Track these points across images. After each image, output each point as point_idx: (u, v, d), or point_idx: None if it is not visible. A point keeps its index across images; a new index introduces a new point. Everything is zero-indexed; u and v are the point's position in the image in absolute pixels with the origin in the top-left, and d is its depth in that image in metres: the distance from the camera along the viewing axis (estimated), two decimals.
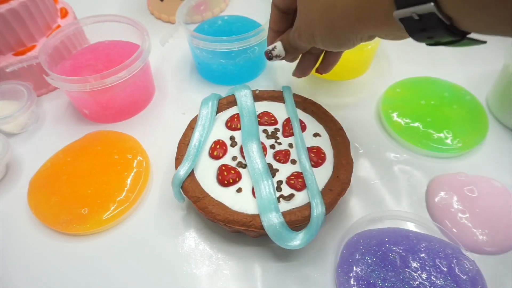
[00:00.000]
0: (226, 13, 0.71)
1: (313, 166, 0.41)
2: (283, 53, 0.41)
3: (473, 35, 0.29)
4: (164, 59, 0.63)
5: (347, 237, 0.41)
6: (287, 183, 0.40)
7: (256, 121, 0.45)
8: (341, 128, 0.45)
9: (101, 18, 0.56)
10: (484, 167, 0.48)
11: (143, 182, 0.46)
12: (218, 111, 0.47)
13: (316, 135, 0.45)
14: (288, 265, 0.41)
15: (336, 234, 0.43)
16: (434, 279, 0.35)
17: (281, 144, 0.44)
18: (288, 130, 0.45)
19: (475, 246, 0.40)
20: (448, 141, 0.49)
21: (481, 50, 0.62)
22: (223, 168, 0.42)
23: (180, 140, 0.45)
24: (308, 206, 0.38)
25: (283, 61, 0.62)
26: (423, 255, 0.37)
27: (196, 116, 0.47)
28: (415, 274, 0.36)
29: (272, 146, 0.44)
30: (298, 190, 0.40)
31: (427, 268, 0.36)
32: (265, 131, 0.45)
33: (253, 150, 0.42)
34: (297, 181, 0.40)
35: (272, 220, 0.37)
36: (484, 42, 0.29)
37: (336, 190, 0.39)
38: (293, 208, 0.38)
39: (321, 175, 0.41)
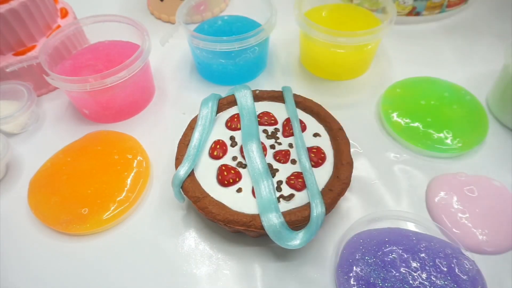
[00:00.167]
0: (226, 13, 0.71)
1: (313, 166, 0.41)
2: None
3: None
4: (164, 59, 0.63)
5: (347, 237, 0.41)
6: (287, 183, 0.40)
7: (256, 121, 0.45)
8: (341, 128, 0.45)
9: (101, 18, 0.56)
10: (484, 167, 0.48)
11: (143, 182, 0.46)
12: (218, 111, 0.47)
13: (316, 135, 0.45)
14: (288, 265, 0.41)
15: (336, 234, 0.43)
16: (434, 279, 0.35)
17: (281, 144, 0.44)
18: (288, 130, 0.45)
19: (475, 246, 0.40)
20: (448, 141, 0.49)
21: (481, 50, 0.63)
22: (223, 168, 0.42)
23: (180, 140, 0.45)
24: (308, 206, 0.38)
25: (283, 61, 0.62)
26: (423, 255, 0.37)
27: (196, 116, 0.47)
28: (415, 274, 0.36)
29: (272, 146, 0.44)
30: (298, 190, 0.40)
31: (427, 268, 0.36)
32: (265, 131, 0.45)
33: (253, 150, 0.42)
34: (297, 181, 0.40)
35: (272, 220, 0.37)
36: None
37: (336, 190, 0.39)
38: (293, 208, 0.38)
39: (321, 175, 0.41)
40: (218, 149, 0.43)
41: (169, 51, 0.63)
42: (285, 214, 0.38)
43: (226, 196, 0.40)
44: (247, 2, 0.69)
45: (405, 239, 0.39)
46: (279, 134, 0.45)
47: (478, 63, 0.61)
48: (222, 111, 0.48)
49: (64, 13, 0.60)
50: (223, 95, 0.49)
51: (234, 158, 0.43)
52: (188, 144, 0.43)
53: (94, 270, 0.41)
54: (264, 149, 0.43)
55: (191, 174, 0.41)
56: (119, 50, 0.56)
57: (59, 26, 0.58)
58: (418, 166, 0.48)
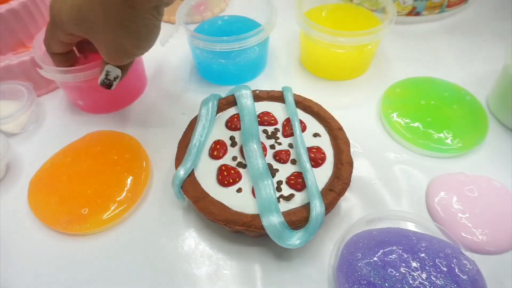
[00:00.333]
0: (226, 13, 0.71)
1: (313, 166, 0.41)
2: (118, 71, 0.41)
3: None
4: (164, 59, 0.63)
5: (347, 237, 0.41)
6: (287, 183, 0.40)
7: (256, 121, 0.45)
8: (341, 128, 0.45)
9: None
10: (484, 167, 0.48)
11: (143, 182, 0.46)
12: (218, 112, 0.47)
13: (316, 135, 0.45)
14: (288, 265, 0.41)
15: (336, 234, 0.43)
16: (434, 279, 0.35)
17: (281, 144, 0.44)
18: (288, 130, 0.45)
19: (475, 246, 0.40)
20: (448, 141, 0.49)
21: (481, 50, 0.63)
22: (223, 168, 0.42)
23: (180, 140, 0.45)
24: (308, 206, 0.38)
25: (283, 61, 0.62)
26: (423, 255, 0.37)
27: (196, 116, 0.47)
28: (415, 274, 0.36)
29: (272, 146, 0.44)
30: (298, 190, 0.40)
31: (427, 268, 0.36)
32: (265, 131, 0.45)
33: (253, 150, 0.42)
34: (297, 181, 0.40)
35: (272, 220, 0.37)
36: None
37: (336, 190, 0.39)
38: (293, 208, 0.38)
39: (321, 175, 0.41)
40: (218, 149, 0.43)
41: (169, 51, 0.63)
42: (285, 214, 0.38)
43: (226, 196, 0.40)
44: (247, 2, 0.69)
45: (405, 239, 0.39)
46: (279, 134, 0.45)
47: (478, 63, 0.61)
48: (222, 111, 0.48)
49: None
50: (223, 95, 0.49)
51: (234, 158, 0.43)
52: (188, 144, 0.43)
53: (94, 270, 0.41)
54: (264, 149, 0.43)
55: (191, 174, 0.41)
56: None
57: None
58: (418, 166, 0.48)
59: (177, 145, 0.44)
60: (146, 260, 0.42)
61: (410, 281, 0.35)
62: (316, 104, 0.48)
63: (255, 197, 0.39)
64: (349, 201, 0.45)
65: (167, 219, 0.45)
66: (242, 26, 0.59)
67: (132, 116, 0.56)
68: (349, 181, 0.41)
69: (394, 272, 0.36)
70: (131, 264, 0.42)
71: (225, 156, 0.43)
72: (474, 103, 0.53)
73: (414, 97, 0.54)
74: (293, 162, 0.42)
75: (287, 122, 0.46)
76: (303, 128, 0.45)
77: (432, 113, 0.51)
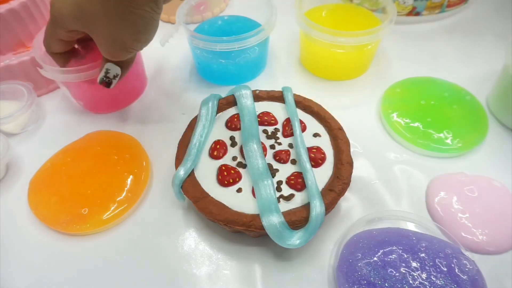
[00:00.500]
0: (226, 13, 0.71)
1: (313, 166, 0.41)
2: (118, 69, 0.42)
3: None
4: (164, 59, 0.63)
5: (347, 237, 0.41)
6: (287, 183, 0.40)
7: (256, 121, 0.45)
8: (341, 128, 0.45)
9: None
10: (484, 167, 0.48)
11: (143, 182, 0.46)
12: (218, 112, 0.47)
13: (316, 135, 0.45)
14: (288, 265, 0.41)
15: (336, 234, 0.43)
16: (434, 279, 0.35)
17: (281, 144, 0.44)
18: (288, 130, 0.45)
19: (475, 246, 0.40)
20: (448, 141, 0.49)
21: (481, 50, 0.63)
22: (223, 168, 0.42)
23: (180, 140, 0.45)
24: (308, 206, 0.38)
25: (283, 61, 0.62)
26: (423, 255, 0.37)
27: (196, 116, 0.47)
28: (415, 274, 0.36)
29: (272, 146, 0.44)
30: (298, 190, 0.40)
31: (427, 268, 0.36)
32: (265, 131, 0.45)
33: (253, 150, 0.42)
34: (297, 181, 0.40)
35: (272, 220, 0.37)
36: None
37: (336, 190, 0.39)
38: (293, 208, 0.38)
39: (321, 175, 0.41)
40: (218, 149, 0.43)
41: (169, 51, 0.63)
42: (285, 214, 0.38)
43: (226, 196, 0.40)
44: (247, 2, 0.69)
45: (405, 239, 0.39)
46: (279, 134, 0.45)
47: (478, 63, 0.61)
48: (222, 111, 0.48)
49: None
50: (223, 95, 0.49)
51: (234, 158, 0.43)
52: (188, 144, 0.43)
53: (94, 270, 0.41)
54: (264, 149, 0.43)
55: (191, 174, 0.41)
56: None
57: None
58: (418, 166, 0.48)
59: (177, 145, 0.44)
60: (146, 260, 0.42)
61: (410, 281, 0.35)
62: (316, 104, 0.48)
63: (255, 197, 0.39)
64: (349, 201, 0.45)
65: (167, 219, 0.45)
66: (242, 26, 0.59)
67: (132, 116, 0.56)
68: (349, 181, 0.41)
69: (394, 272, 0.36)
70: (131, 264, 0.42)
71: (225, 156, 0.43)
72: (474, 103, 0.53)
73: (414, 97, 0.54)
74: (293, 162, 0.42)
75: (287, 122, 0.46)
76: (303, 128, 0.45)
77: (432, 113, 0.51)
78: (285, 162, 0.42)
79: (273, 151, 0.43)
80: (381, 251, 0.38)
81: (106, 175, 0.46)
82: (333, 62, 0.58)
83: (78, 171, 0.47)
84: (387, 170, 0.48)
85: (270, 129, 0.45)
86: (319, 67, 0.60)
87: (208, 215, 0.39)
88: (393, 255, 0.37)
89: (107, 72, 0.41)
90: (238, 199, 0.39)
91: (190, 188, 0.40)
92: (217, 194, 0.40)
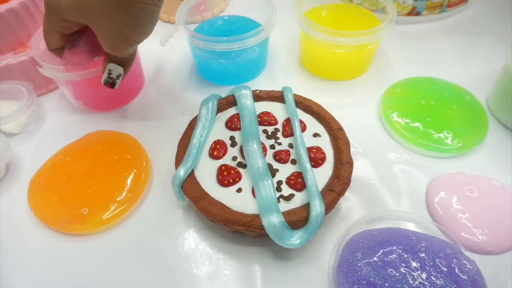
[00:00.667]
0: (226, 13, 0.71)
1: (313, 166, 0.41)
2: (121, 69, 0.41)
3: None
4: (164, 59, 0.63)
5: (347, 237, 0.41)
6: (287, 183, 0.40)
7: (256, 121, 0.45)
8: (341, 128, 0.45)
9: None
10: (484, 167, 0.48)
11: (143, 182, 0.46)
12: (218, 112, 0.47)
13: (316, 135, 0.45)
14: (288, 265, 0.41)
15: (336, 234, 0.43)
16: (434, 279, 0.35)
17: (281, 144, 0.44)
18: (288, 130, 0.45)
19: (475, 246, 0.40)
20: (448, 141, 0.49)
21: (481, 50, 0.63)
22: (223, 168, 0.42)
23: (180, 140, 0.45)
24: (308, 206, 0.38)
25: (283, 61, 0.62)
26: (423, 255, 0.37)
27: (196, 116, 0.47)
28: (415, 274, 0.36)
29: (272, 146, 0.44)
30: (298, 190, 0.40)
31: (427, 268, 0.36)
32: (265, 131, 0.45)
33: (253, 150, 0.42)
34: (297, 181, 0.40)
35: (272, 220, 0.37)
36: None
37: (336, 190, 0.39)
38: (293, 208, 0.38)
39: (321, 175, 0.41)
40: (218, 149, 0.43)
41: (169, 51, 0.63)
42: (285, 214, 0.38)
43: (226, 196, 0.40)
44: (247, 2, 0.69)
45: (405, 239, 0.39)
46: (279, 134, 0.45)
47: (478, 63, 0.61)
48: (222, 111, 0.48)
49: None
50: (223, 95, 0.49)
51: (234, 158, 0.43)
52: (188, 144, 0.43)
53: (94, 270, 0.41)
54: (264, 149, 0.43)
55: (191, 174, 0.41)
56: None
57: None
58: (418, 166, 0.48)
59: (177, 145, 0.44)
60: (146, 260, 0.42)
61: (410, 281, 0.35)
62: (316, 104, 0.48)
63: (255, 197, 0.39)
64: (349, 201, 0.45)
65: (167, 219, 0.45)
66: (242, 26, 0.59)
67: (132, 116, 0.56)
68: (349, 181, 0.41)
69: (394, 272, 0.36)
70: (131, 264, 0.42)
71: (225, 156, 0.43)
72: (474, 103, 0.53)
73: (414, 97, 0.54)
74: (293, 162, 0.42)
75: (287, 122, 0.46)
76: (303, 128, 0.45)
77: (432, 113, 0.51)
78: (285, 162, 0.42)
79: (273, 151, 0.43)
80: (381, 251, 0.38)
81: (106, 175, 0.46)
82: (333, 62, 0.58)
83: (78, 171, 0.47)
84: (387, 170, 0.48)
85: (270, 129, 0.45)
86: (319, 67, 0.60)
87: (208, 215, 0.39)
88: (393, 255, 0.37)
89: (110, 73, 0.41)
90: (238, 199, 0.39)
91: (190, 188, 0.40)
92: (217, 194, 0.40)
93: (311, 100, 0.48)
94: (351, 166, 0.41)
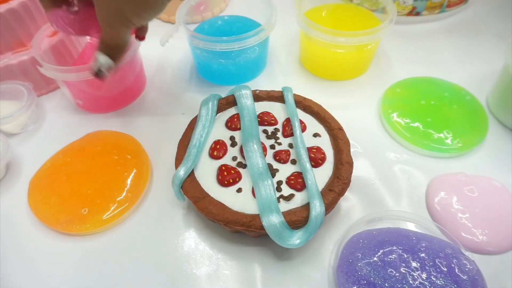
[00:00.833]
0: (226, 13, 0.71)
1: (313, 166, 0.41)
2: (110, 62, 0.39)
3: None
4: (164, 59, 0.63)
5: (347, 237, 0.41)
6: (287, 183, 0.40)
7: (256, 121, 0.45)
8: (341, 128, 0.45)
9: None
10: (484, 167, 0.48)
11: (143, 182, 0.46)
12: (218, 112, 0.47)
13: (316, 135, 0.45)
14: (288, 265, 0.41)
15: (336, 234, 0.43)
16: (434, 279, 0.35)
17: (281, 144, 0.44)
18: (288, 130, 0.45)
19: (475, 246, 0.40)
20: (448, 141, 0.49)
21: (481, 50, 0.63)
22: (223, 168, 0.42)
23: (180, 140, 0.45)
24: (308, 206, 0.38)
25: (283, 61, 0.62)
26: (423, 255, 0.37)
27: (196, 116, 0.47)
28: (415, 274, 0.36)
29: (272, 146, 0.44)
30: (298, 190, 0.40)
31: (427, 268, 0.36)
32: (265, 131, 0.45)
33: (253, 150, 0.42)
34: (297, 181, 0.40)
35: (272, 220, 0.37)
36: None
37: (336, 190, 0.39)
38: (293, 208, 0.38)
39: (321, 175, 0.41)
40: (218, 149, 0.43)
41: (169, 51, 0.63)
42: (285, 214, 0.38)
43: (226, 196, 0.40)
44: (247, 2, 0.69)
45: (405, 239, 0.39)
46: (279, 134, 0.45)
47: (478, 63, 0.61)
48: (222, 111, 0.48)
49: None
50: (223, 95, 0.49)
51: (234, 158, 0.43)
52: (188, 144, 0.43)
53: (94, 270, 0.41)
54: (264, 149, 0.43)
55: (191, 174, 0.41)
56: None
57: None
58: (418, 166, 0.48)
59: (177, 145, 0.44)
60: (146, 260, 0.42)
61: (410, 281, 0.35)
62: (316, 104, 0.48)
63: (255, 197, 0.39)
64: (349, 201, 0.45)
65: (167, 219, 0.45)
66: (242, 26, 0.59)
67: (132, 116, 0.56)
68: (349, 181, 0.41)
69: (394, 272, 0.36)
70: (131, 264, 0.42)
71: (225, 156, 0.43)
72: (474, 103, 0.53)
73: (414, 97, 0.54)
74: (293, 162, 0.42)
75: (287, 122, 0.46)
76: (303, 128, 0.45)
77: (432, 113, 0.51)
78: (285, 162, 0.42)
79: (273, 151, 0.43)
80: (381, 251, 0.38)
81: (106, 175, 0.46)
82: (333, 62, 0.58)
83: (78, 171, 0.47)
84: (387, 170, 0.48)
85: (270, 129, 0.45)
86: (319, 67, 0.60)
87: (208, 215, 0.39)
88: (393, 255, 0.37)
89: (99, 64, 0.40)
90: (238, 199, 0.39)
91: (190, 188, 0.40)
92: (217, 194, 0.40)
93: (311, 100, 0.48)
94: (351, 166, 0.41)
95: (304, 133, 0.45)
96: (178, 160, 0.43)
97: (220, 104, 0.48)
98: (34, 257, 0.43)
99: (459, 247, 0.39)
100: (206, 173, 0.42)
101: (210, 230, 0.44)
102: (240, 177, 0.41)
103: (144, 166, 0.48)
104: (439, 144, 0.48)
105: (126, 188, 0.45)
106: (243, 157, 0.42)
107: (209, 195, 0.40)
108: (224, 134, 0.45)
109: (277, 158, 0.42)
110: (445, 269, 0.36)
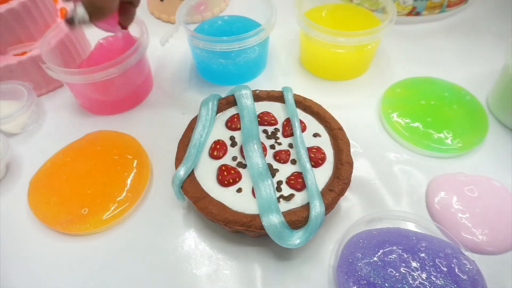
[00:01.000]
0: (226, 13, 0.71)
1: (313, 166, 0.41)
2: (86, 18, 0.39)
3: None
4: (164, 59, 0.63)
5: (347, 237, 0.41)
6: (287, 183, 0.40)
7: (256, 121, 0.45)
8: (341, 128, 0.45)
9: None
10: (484, 167, 0.48)
11: (143, 182, 0.46)
12: (218, 112, 0.47)
13: (316, 135, 0.45)
14: (288, 265, 0.41)
15: (336, 234, 0.43)
16: (434, 279, 0.35)
17: (281, 144, 0.44)
18: (288, 130, 0.45)
19: (475, 246, 0.40)
20: (448, 141, 0.49)
21: (481, 50, 0.63)
22: (223, 168, 0.42)
23: (180, 140, 0.45)
24: (308, 206, 0.38)
25: (283, 61, 0.62)
26: (423, 255, 0.37)
27: (196, 116, 0.47)
28: (415, 274, 0.36)
29: (272, 146, 0.44)
30: (298, 190, 0.40)
31: (427, 268, 0.36)
32: (265, 131, 0.45)
33: (253, 150, 0.42)
34: (297, 181, 0.40)
35: (272, 220, 0.37)
36: None
37: (336, 190, 0.39)
38: (293, 208, 0.38)
39: (321, 175, 0.41)
40: (218, 149, 0.43)
41: (169, 51, 0.63)
42: (285, 214, 0.38)
43: (226, 196, 0.40)
44: (247, 2, 0.69)
45: (405, 239, 0.39)
46: (279, 134, 0.45)
47: (478, 63, 0.61)
48: (222, 111, 0.48)
49: (64, 13, 0.61)
50: (223, 95, 0.49)
51: (234, 158, 0.43)
52: (188, 144, 0.43)
53: (94, 270, 0.41)
54: (264, 149, 0.43)
55: (191, 174, 0.41)
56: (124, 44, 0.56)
57: None
58: (418, 166, 0.48)
59: (177, 145, 0.44)
60: (146, 260, 0.42)
61: (410, 281, 0.35)
62: (316, 104, 0.48)
63: (255, 197, 0.39)
64: (349, 201, 0.45)
65: (167, 219, 0.45)
66: (242, 26, 0.59)
67: (132, 116, 0.56)
68: (349, 181, 0.41)
69: (394, 272, 0.36)
70: (131, 264, 0.42)
71: (225, 156, 0.43)
72: (474, 103, 0.53)
73: (414, 97, 0.54)
74: (293, 162, 0.42)
75: (287, 122, 0.46)
76: (303, 128, 0.45)
77: (432, 113, 0.51)
78: (285, 162, 0.42)
79: (273, 151, 0.43)
80: (381, 251, 0.38)
81: (106, 175, 0.46)
82: (333, 62, 0.58)
83: (78, 171, 0.47)
84: (387, 170, 0.48)
85: (270, 129, 0.45)
86: (319, 67, 0.60)
87: (208, 215, 0.39)
88: (393, 255, 0.37)
89: (75, 14, 0.39)
90: (238, 199, 0.39)
91: (190, 188, 0.40)
92: (217, 194, 0.40)
93: (311, 100, 0.48)
94: (351, 166, 0.41)
95: (304, 133, 0.45)
96: (178, 160, 0.43)
97: (220, 104, 0.48)
98: (34, 257, 0.43)
99: (459, 247, 0.39)
100: (206, 173, 0.42)
101: (210, 230, 0.44)
102: (240, 177, 0.41)
103: (144, 166, 0.48)
104: (439, 144, 0.48)
105: (126, 188, 0.45)
106: (243, 157, 0.42)
107: (209, 195, 0.40)
108: (224, 134, 0.45)
109: (277, 158, 0.42)
110: (445, 269, 0.36)
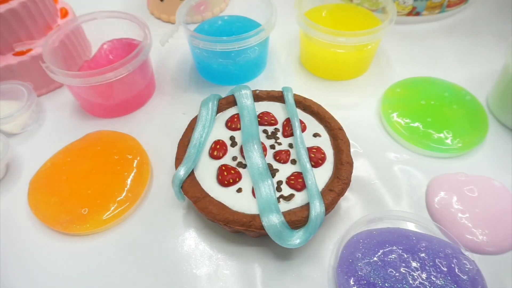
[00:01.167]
0: (226, 13, 0.71)
1: (313, 166, 0.41)
2: None
3: None
4: (164, 59, 0.63)
5: (347, 237, 0.41)
6: (287, 183, 0.40)
7: (256, 121, 0.45)
8: (341, 128, 0.45)
9: (99, 14, 0.56)
10: (484, 167, 0.48)
11: (143, 182, 0.46)
12: (218, 112, 0.47)
13: (316, 135, 0.45)
14: (288, 265, 0.41)
15: (336, 234, 0.43)
16: (434, 279, 0.35)
17: (281, 144, 0.44)
18: (288, 130, 0.45)
19: (475, 246, 0.40)
20: (448, 141, 0.49)
21: (481, 50, 0.63)
22: (223, 168, 0.42)
23: (180, 140, 0.45)
24: (308, 206, 0.38)
25: (283, 61, 0.62)
26: (423, 255, 0.37)
27: (196, 116, 0.47)
28: (415, 274, 0.36)
29: (272, 146, 0.44)
30: (298, 190, 0.40)
31: (427, 268, 0.36)
32: (265, 131, 0.45)
33: (253, 150, 0.42)
34: (297, 181, 0.40)
35: (272, 220, 0.37)
36: None
37: (336, 190, 0.39)
38: (293, 208, 0.38)
39: (321, 175, 0.41)
40: (218, 149, 0.43)
41: (169, 51, 0.63)
42: (285, 214, 0.38)
43: (226, 196, 0.40)
44: (247, 2, 0.69)
45: (405, 239, 0.39)
46: (279, 134, 0.45)
47: (478, 63, 0.61)
48: (222, 111, 0.48)
49: (64, 13, 0.61)
50: (223, 95, 0.49)
51: (234, 158, 0.43)
52: (188, 144, 0.43)
53: (94, 270, 0.41)
54: (264, 149, 0.43)
55: (191, 174, 0.41)
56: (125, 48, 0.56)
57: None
58: (418, 166, 0.48)
59: (177, 145, 0.44)
60: (146, 260, 0.42)
61: (410, 281, 0.35)
62: (316, 104, 0.48)
63: (255, 197, 0.39)
64: (349, 201, 0.45)
65: (167, 219, 0.45)
66: (242, 26, 0.59)
67: (132, 116, 0.56)
68: (349, 181, 0.41)
69: (394, 272, 0.36)
70: (131, 264, 0.42)
71: (225, 156, 0.43)
72: (474, 103, 0.53)
73: (414, 97, 0.54)
74: (293, 162, 0.42)
75: (287, 122, 0.46)
76: (303, 128, 0.45)
77: (432, 113, 0.51)
78: (285, 162, 0.42)
79: (273, 151, 0.43)
80: (381, 251, 0.38)
81: (106, 175, 0.46)
82: (333, 62, 0.58)
83: (78, 171, 0.47)
84: (387, 170, 0.48)
85: (270, 129, 0.45)
86: (319, 67, 0.60)
87: (208, 215, 0.39)
88: (393, 255, 0.37)
89: None
90: (238, 199, 0.39)
91: (190, 188, 0.40)
92: (217, 194, 0.40)
93: (311, 100, 0.48)
94: (351, 166, 0.41)
95: (304, 133, 0.45)
96: (178, 160, 0.43)
97: (220, 104, 0.48)
98: (34, 257, 0.43)
99: (459, 247, 0.39)
100: (206, 173, 0.42)
101: (210, 230, 0.44)
102: (240, 177, 0.41)
103: (144, 166, 0.48)
104: (439, 144, 0.48)
105: (126, 188, 0.45)
106: (243, 157, 0.42)
107: (209, 195, 0.40)
108: (224, 134, 0.45)
109: (277, 158, 0.42)
110: (445, 269, 0.36)
